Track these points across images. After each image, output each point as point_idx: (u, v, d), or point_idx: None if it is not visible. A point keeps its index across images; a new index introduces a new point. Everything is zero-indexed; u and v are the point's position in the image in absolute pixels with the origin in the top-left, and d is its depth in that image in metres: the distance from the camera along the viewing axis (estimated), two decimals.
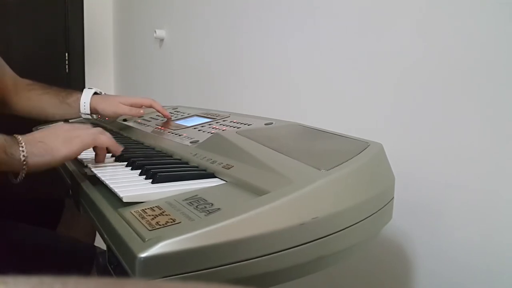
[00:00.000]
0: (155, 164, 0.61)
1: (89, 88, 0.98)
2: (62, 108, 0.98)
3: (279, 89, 1.15)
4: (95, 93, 0.97)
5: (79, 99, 0.95)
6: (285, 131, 0.70)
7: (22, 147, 0.55)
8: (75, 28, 2.12)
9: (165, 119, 0.95)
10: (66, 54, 2.10)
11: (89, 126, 0.65)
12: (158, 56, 1.81)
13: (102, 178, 0.55)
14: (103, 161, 0.64)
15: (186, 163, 0.64)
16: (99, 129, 0.65)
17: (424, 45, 0.79)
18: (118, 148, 0.65)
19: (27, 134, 0.59)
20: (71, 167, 0.68)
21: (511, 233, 0.68)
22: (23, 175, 0.56)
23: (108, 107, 0.94)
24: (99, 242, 0.60)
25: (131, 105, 0.94)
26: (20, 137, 0.57)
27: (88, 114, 0.97)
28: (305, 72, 1.06)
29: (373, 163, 0.53)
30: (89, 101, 0.95)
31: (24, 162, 0.55)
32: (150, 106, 0.96)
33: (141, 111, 0.95)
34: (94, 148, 0.64)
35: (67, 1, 2.07)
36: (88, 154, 0.67)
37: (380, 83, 0.87)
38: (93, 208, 0.50)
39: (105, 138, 0.63)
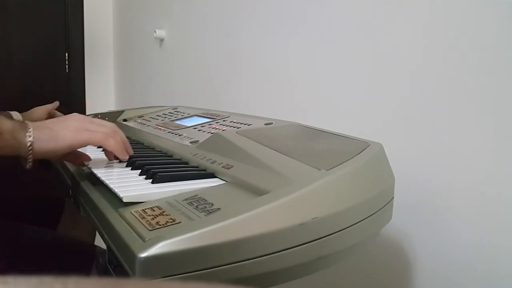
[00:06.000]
0: (155, 164, 0.61)
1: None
2: None
3: (279, 89, 1.15)
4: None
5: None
6: (285, 131, 0.70)
7: (29, 132, 0.56)
8: (75, 28, 2.12)
9: (166, 119, 0.95)
10: (66, 54, 2.10)
11: (104, 122, 0.64)
12: (158, 56, 1.81)
13: (102, 178, 0.55)
14: (111, 159, 0.64)
15: (186, 163, 0.64)
16: (113, 128, 0.63)
17: (427, 45, 0.79)
18: (124, 155, 0.63)
19: (38, 121, 0.60)
20: (72, 167, 0.68)
21: (511, 233, 0.68)
22: (31, 161, 0.56)
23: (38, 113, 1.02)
24: (99, 242, 0.60)
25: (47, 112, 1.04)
26: (29, 123, 0.57)
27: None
28: (305, 72, 1.06)
29: (373, 163, 0.53)
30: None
31: (30, 147, 0.55)
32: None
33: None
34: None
35: (67, 1, 2.07)
36: (91, 154, 0.67)
37: (381, 83, 0.87)
38: (93, 208, 0.50)
39: (113, 143, 0.61)
